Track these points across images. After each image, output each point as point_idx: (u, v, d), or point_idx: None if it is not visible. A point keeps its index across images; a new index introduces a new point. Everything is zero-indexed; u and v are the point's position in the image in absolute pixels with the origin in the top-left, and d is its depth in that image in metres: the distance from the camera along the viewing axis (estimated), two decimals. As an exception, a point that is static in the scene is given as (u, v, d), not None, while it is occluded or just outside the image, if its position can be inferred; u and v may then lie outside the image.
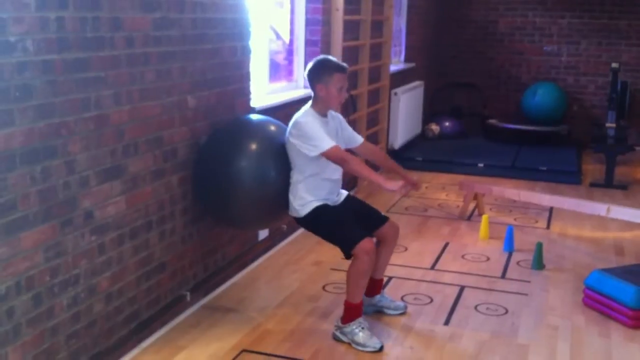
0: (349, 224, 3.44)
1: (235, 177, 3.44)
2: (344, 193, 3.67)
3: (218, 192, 3.49)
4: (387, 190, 3.37)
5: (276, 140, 3.57)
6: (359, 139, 3.72)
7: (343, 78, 3.48)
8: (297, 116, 3.48)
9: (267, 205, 3.55)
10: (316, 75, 3.47)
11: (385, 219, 3.65)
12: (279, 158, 3.51)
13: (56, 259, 2.70)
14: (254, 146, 3.51)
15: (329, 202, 3.53)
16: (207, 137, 3.64)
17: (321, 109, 3.50)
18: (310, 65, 3.52)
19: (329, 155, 3.37)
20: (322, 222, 3.47)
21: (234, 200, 3.48)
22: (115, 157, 3.00)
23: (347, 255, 3.43)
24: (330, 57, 3.60)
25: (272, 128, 3.66)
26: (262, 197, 3.50)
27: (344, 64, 3.54)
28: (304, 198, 3.46)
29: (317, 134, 3.38)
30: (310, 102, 3.54)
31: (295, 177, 3.49)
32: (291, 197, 3.50)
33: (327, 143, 3.36)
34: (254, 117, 3.83)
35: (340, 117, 3.69)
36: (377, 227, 3.60)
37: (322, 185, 3.48)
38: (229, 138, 3.54)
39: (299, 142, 3.41)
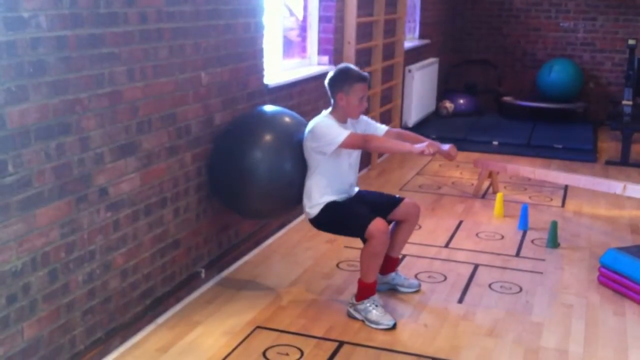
0: (357, 210, 3.43)
1: (250, 170, 3.43)
2: (356, 189, 3.66)
3: (233, 185, 3.49)
4: (417, 153, 3.33)
5: (292, 133, 3.54)
6: (382, 129, 3.65)
7: (364, 88, 3.45)
8: (313, 121, 3.47)
9: (281, 198, 3.55)
10: (337, 85, 3.44)
11: (399, 200, 3.64)
12: (295, 151, 3.49)
13: (71, 235, 2.71)
14: (269, 138, 3.49)
15: (345, 196, 3.53)
16: (224, 129, 3.63)
17: (340, 116, 3.47)
18: (331, 74, 3.49)
19: (348, 144, 3.35)
20: (332, 217, 3.45)
21: (249, 193, 3.48)
22: (129, 134, 3.00)
23: (365, 241, 3.42)
24: (352, 66, 3.57)
25: (288, 120, 3.63)
26: (276, 190, 3.49)
27: (366, 74, 3.50)
28: (316, 199, 3.45)
29: (330, 130, 3.37)
30: (329, 109, 3.51)
31: (309, 180, 3.48)
32: (305, 200, 3.50)
33: (342, 134, 3.34)
34: (270, 108, 3.80)
35: (360, 119, 3.61)
36: (392, 209, 3.58)
37: (336, 188, 3.47)
38: (245, 130, 3.52)
39: (316, 145, 3.40)
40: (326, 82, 3.51)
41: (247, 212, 3.69)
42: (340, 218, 3.44)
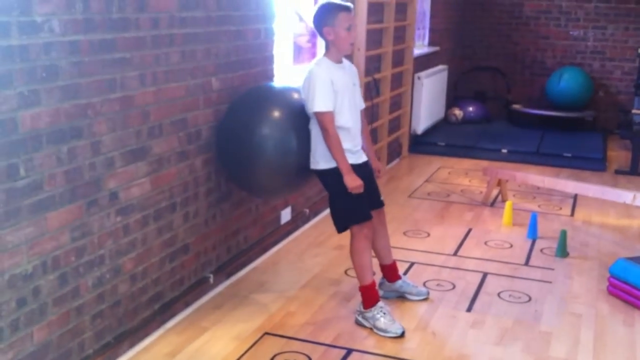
0: (363, 202, 3.38)
1: (256, 144, 3.39)
2: (364, 157, 3.55)
3: (240, 159, 3.46)
4: (345, 182, 3.31)
5: (298, 107, 3.48)
6: (362, 106, 3.60)
7: (349, 17, 3.38)
8: (310, 68, 3.40)
9: (289, 171, 3.49)
10: (321, 20, 3.38)
11: (381, 205, 3.61)
12: (301, 124, 3.44)
13: (82, 239, 2.71)
14: (276, 113, 3.45)
15: (352, 159, 3.40)
16: (230, 104, 3.61)
17: (333, 54, 3.41)
18: (313, 13, 3.45)
19: (320, 117, 3.29)
20: (341, 184, 3.33)
21: (256, 168, 3.44)
22: (140, 139, 3.01)
23: (341, 228, 3.42)
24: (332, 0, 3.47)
25: (295, 95, 3.59)
26: (284, 164, 3.44)
27: (348, 3, 3.46)
28: (328, 154, 3.36)
29: (321, 90, 3.29)
30: (322, 53, 3.46)
31: (314, 127, 3.40)
32: (313, 148, 3.42)
33: (325, 105, 3.28)
34: (276, 84, 3.77)
35: (356, 71, 3.59)
36: (372, 209, 3.52)
37: (340, 135, 3.35)
38: (251, 105, 3.50)
39: (305, 94, 3.36)
40: (311, 22, 3.45)
41: (256, 189, 3.65)
42: (345, 193, 3.33)
